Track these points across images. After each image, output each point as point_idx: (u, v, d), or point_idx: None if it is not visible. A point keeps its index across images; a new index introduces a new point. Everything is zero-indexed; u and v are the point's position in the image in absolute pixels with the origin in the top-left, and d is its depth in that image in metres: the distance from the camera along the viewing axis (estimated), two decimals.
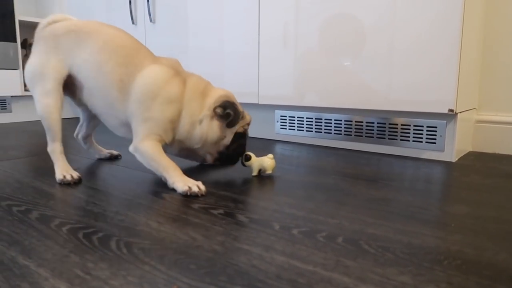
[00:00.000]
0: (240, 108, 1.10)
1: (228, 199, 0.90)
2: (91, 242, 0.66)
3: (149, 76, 1.04)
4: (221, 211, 0.82)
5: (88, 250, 0.63)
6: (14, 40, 2.53)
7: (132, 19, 2.25)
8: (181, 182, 0.96)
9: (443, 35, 1.28)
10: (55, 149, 1.08)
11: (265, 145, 1.66)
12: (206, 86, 1.10)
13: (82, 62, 1.07)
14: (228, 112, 1.06)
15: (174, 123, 1.04)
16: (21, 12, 2.69)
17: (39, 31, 1.12)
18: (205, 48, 1.95)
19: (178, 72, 1.08)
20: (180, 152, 1.13)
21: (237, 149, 1.11)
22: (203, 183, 0.97)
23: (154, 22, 2.16)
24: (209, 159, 1.12)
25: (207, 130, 1.06)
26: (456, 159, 1.38)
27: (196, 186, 0.94)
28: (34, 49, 1.11)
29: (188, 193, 0.93)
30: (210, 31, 1.91)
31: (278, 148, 1.62)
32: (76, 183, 1.03)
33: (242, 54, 1.80)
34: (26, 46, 2.67)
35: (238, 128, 1.10)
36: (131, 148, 1.04)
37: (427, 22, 1.30)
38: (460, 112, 1.36)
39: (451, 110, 1.29)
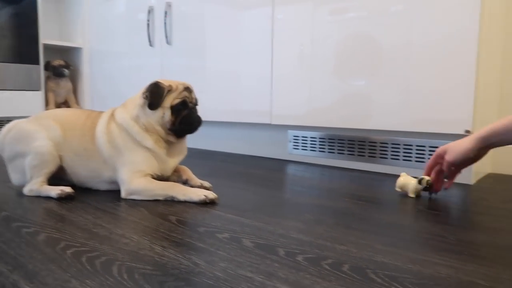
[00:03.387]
0: (166, 83, 1.12)
1: (235, 223, 0.89)
2: (93, 267, 0.65)
3: (99, 132, 1.15)
4: (226, 235, 0.81)
5: (90, 275, 0.62)
6: (37, 63, 2.62)
7: (149, 41, 2.31)
8: (193, 194, 1.05)
9: (460, 56, 1.26)
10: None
11: (278, 166, 1.65)
12: (127, 100, 1.19)
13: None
14: (145, 95, 1.11)
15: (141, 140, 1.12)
16: (45, 36, 2.80)
17: None
18: (221, 69, 1.97)
19: (112, 112, 1.19)
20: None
21: (183, 122, 1.12)
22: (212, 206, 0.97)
23: (170, 44, 2.21)
24: (171, 139, 1.16)
25: (147, 119, 1.11)
26: (474, 182, 1.33)
27: (210, 193, 1.05)
28: None
29: (207, 201, 1.04)
30: (226, 53, 1.94)
31: (291, 168, 1.60)
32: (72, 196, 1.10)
33: (256, 75, 1.81)
34: (49, 68, 2.77)
35: (171, 101, 1.11)
36: (123, 195, 1.10)
37: (444, 42, 1.28)
38: None
39: (468, 131, 1.26)
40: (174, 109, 1.11)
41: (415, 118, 1.36)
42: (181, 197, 1.06)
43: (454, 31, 1.26)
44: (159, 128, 1.13)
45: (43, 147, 1.13)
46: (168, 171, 1.18)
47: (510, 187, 1.28)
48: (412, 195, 1.12)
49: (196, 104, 1.18)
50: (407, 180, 1.14)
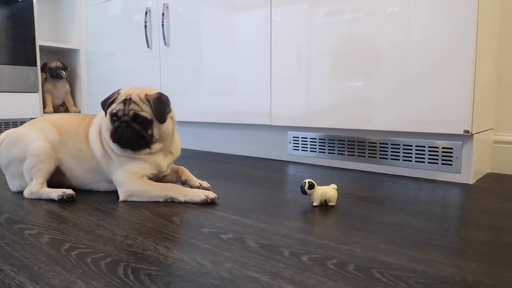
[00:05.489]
0: (118, 91, 1.12)
1: (238, 224, 0.89)
2: (98, 268, 0.65)
3: (92, 131, 1.17)
4: (230, 236, 0.81)
5: (95, 276, 0.62)
6: (35, 65, 2.61)
7: (147, 43, 2.31)
8: (194, 194, 1.06)
9: (457, 56, 1.27)
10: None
11: (278, 167, 1.65)
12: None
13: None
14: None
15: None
16: (42, 38, 2.79)
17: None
18: (218, 70, 1.97)
19: (93, 117, 1.22)
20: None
21: (110, 134, 1.09)
22: (214, 207, 0.97)
23: (168, 46, 2.21)
24: (115, 149, 1.14)
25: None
26: (474, 181, 1.34)
27: (210, 193, 1.06)
28: None
29: (208, 201, 1.04)
30: (223, 54, 1.94)
31: (291, 169, 1.60)
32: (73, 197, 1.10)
33: (255, 76, 1.82)
34: (46, 69, 2.76)
35: (110, 111, 1.10)
36: (122, 197, 1.09)
37: (442, 42, 1.29)
38: (477, 133, 1.33)
39: (467, 131, 1.27)
40: (111, 119, 1.11)
41: (414, 119, 1.37)
42: (182, 198, 1.06)
43: (451, 31, 1.27)
44: (106, 135, 1.13)
45: (39, 148, 1.13)
46: (163, 169, 1.16)
47: (509, 186, 1.29)
48: (316, 203, 1.03)
49: (133, 117, 1.07)
50: (317, 190, 1.03)
